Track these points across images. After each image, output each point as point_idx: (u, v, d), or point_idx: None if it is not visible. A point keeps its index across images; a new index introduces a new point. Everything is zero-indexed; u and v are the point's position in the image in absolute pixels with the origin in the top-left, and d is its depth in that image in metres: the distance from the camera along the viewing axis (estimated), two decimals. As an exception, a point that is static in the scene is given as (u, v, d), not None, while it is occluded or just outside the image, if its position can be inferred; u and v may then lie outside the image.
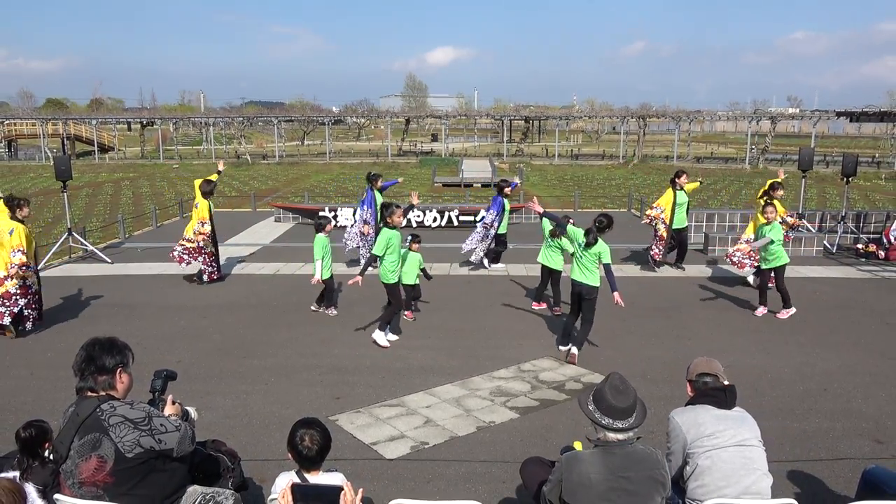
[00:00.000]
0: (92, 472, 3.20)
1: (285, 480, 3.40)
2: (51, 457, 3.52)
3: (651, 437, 5.22)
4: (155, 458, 3.31)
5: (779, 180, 11.25)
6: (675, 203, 11.98)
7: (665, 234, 12.02)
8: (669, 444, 3.70)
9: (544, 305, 9.67)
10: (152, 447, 3.26)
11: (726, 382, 3.77)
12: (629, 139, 47.95)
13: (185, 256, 11.05)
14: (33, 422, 3.57)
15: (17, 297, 8.33)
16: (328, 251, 9.27)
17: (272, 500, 3.38)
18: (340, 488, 3.11)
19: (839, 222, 14.50)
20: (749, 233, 11.16)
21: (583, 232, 7.46)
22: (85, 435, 3.22)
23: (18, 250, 8.28)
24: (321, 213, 16.86)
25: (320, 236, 9.18)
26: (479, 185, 28.40)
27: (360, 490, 3.14)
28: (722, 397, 3.68)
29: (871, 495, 3.79)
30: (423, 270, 9.41)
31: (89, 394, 3.34)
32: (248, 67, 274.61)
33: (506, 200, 12.07)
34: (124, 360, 3.45)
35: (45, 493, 3.39)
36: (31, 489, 3.34)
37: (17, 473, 3.47)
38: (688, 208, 12.35)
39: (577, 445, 3.94)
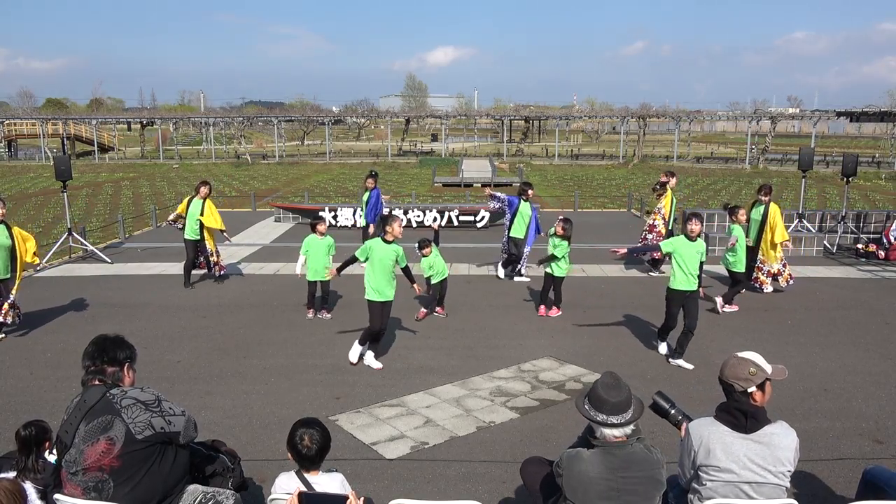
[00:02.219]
0: (98, 455, 3.21)
1: (285, 480, 3.40)
2: (50, 454, 3.52)
3: (651, 437, 5.22)
4: (161, 443, 3.36)
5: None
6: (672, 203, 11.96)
7: (664, 232, 12.00)
8: (681, 454, 3.60)
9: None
10: (163, 428, 3.34)
11: (752, 390, 3.41)
12: (629, 139, 47.96)
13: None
14: (33, 421, 3.57)
15: None
16: (317, 251, 9.16)
17: (272, 499, 3.38)
18: (346, 497, 3.11)
19: (839, 222, 14.50)
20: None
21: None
22: (93, 419, 3.26)
23: None
24: (319, 214, 16.89)
25: (310, 236, 9.21)
26: (480, 184, 28.41)
27: (363, 498, 3.15)
28: (742, 422, 3.37)
29: (872, 495, 3.79)
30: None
31: (97, 382, 3.42)
32: (248, 67, 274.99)
33: (524, 203, 11.39)
34: (132, 356, 3.62)
35: (46, 494, 3.39)
36: (30, 489, 3.34)
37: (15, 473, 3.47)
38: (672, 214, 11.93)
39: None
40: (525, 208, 11.43)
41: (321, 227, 9.24)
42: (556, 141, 49.20)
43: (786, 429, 3.42)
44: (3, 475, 3.42)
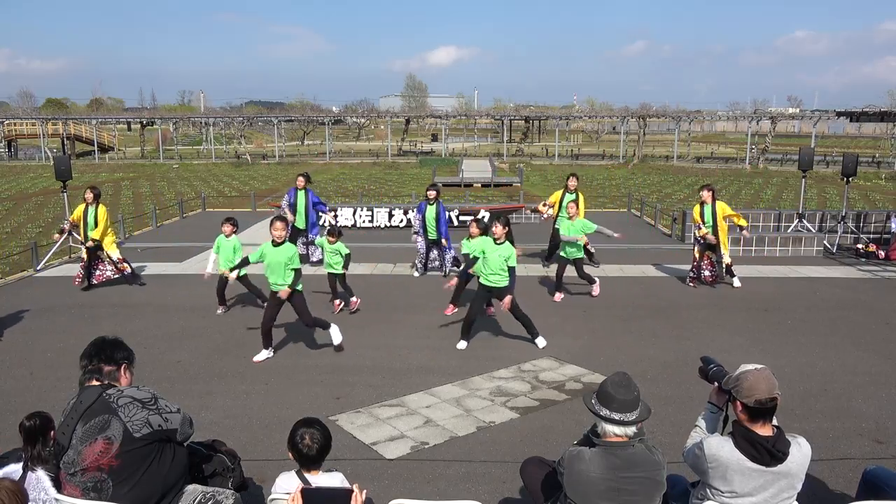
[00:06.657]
0: (96, 455, 3.21)
1: (285, 480, 3.40)
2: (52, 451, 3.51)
3: (651, 437, 5.21)
4: (159, 441, 3.37)
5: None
6: (561, 203, 12.51)
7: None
8: (691, 460, 3.49)
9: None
10: (160, 426, 3.36)
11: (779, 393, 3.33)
12: (629, 139, 47.97)
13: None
14: (35, 413, 3.55)
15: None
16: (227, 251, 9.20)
17: (272, 500, 3.38)
18: (350, 490, 3.11)
19: (839, 222, 14.50)
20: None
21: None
22: (90, 419, 3.27)
23: None
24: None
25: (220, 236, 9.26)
26: (480, 184, 28.41)
27: (364, 491, 3.15)
28: (766, 459, 3.24)
29: (872, 495, 3.79)
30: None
31: (93, 383, 3.43)
32: (248, 67, 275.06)
33: (429, 207, 11.86)
34: (130, 357, 3.64)
35: (59, 480, 3.39)
36: (43, 476, 3.33)
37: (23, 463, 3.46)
38: None
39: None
40: (430, 212, 11.88)
41: (226, 228, 9.20)
42: (556, 141, 49.21)
43: (801, 448, 3.35)
44: (12, 466, 3.43)
